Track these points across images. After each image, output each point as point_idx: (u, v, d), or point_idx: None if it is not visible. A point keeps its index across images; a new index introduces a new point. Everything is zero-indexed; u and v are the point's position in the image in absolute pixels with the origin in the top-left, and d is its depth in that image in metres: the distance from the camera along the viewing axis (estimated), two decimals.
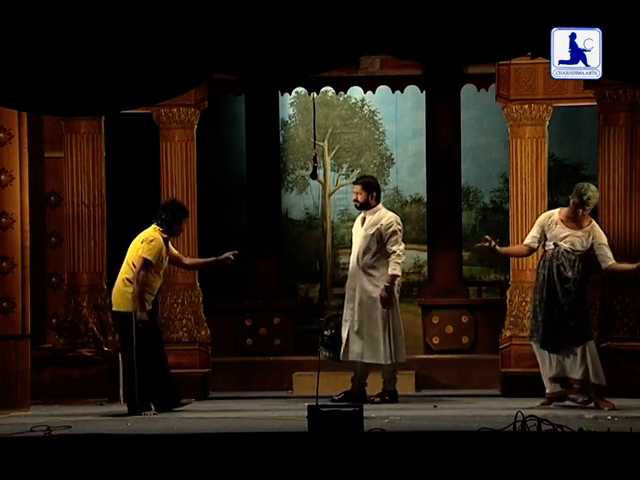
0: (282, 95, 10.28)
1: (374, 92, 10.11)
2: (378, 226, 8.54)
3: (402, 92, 10.07)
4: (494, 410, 7.76)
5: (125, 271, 8.19)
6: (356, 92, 10.28)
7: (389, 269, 8.42)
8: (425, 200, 10.30)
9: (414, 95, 10.13)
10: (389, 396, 8.51)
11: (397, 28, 7.33)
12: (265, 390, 9.35)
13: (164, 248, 8.19)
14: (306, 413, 6.52)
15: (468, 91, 9.99)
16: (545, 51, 7.68)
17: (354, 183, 8.86)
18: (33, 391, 8.35)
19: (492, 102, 9.49)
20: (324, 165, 10.44)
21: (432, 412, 7.94)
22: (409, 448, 5.87)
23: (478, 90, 9.89)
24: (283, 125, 10.47)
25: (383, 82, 9.94)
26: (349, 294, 8.61)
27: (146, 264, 8.07)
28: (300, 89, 10.19)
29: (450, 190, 10.11)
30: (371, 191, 8.62)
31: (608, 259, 8.06)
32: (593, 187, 8.17)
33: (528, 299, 9.16)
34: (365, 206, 8.64)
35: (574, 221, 8.11)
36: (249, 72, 8.07)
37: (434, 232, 10.17)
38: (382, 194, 10.25)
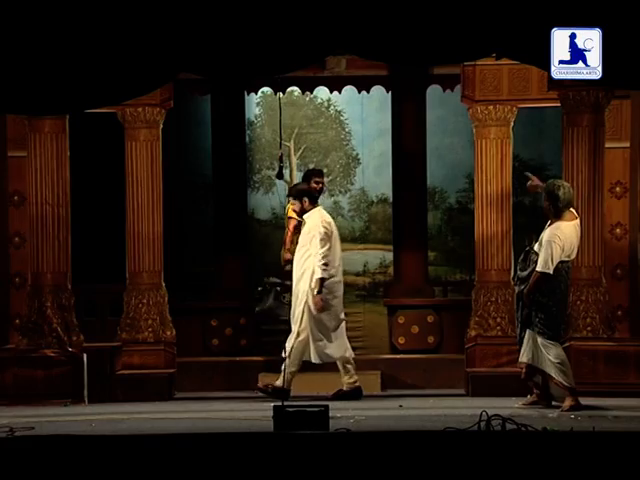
0: (248, 95, 10.26)
1: (340, 92, 10.12)
2: (307, 228, 8.77)
3: (368, 92, 10.09)
4: (459, 409, 7.79)
5: None
6: (322, 92, 10.28)
7: (316, 273, 8.61)
8: (391, 200, 10.32)
9: (380, 95, 10.15)
10: (272, 389, 8.56)
11: (362, 29, 7.35)
12: (231, 390, 9.33)
13: None
14: (272, 413, 6.52)
15: (434, 92, 10.03)
16: (510, 52, 7.74)
17: (287, 196, 9.11)
18: None
19: (457, 103, 9.53)
20: (290, 165, 10.43)
21: (397, 412, 7.96)
22: (375, 448, 5.88)
23: (444, 91, 9.93)
24: (249, 125, 10.45)
25: (349, 82, 9.96)
26: (294, 293, 8.82)
27: None
28: (266, 89, 10.17)
29: (416, 190, 10.14)
30: (302, 198, 8.85)
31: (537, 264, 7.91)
32: (556, 181, 8.16)
33: (493, 299, 9.23)
34: (303, 213, 8.88)
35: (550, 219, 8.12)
36: (215, 72, 8.06)
37: (400, 232, 10.19)
38: (348, 194, 10.33)
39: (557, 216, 8.00)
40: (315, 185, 9.23)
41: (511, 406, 7.94)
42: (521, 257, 8.19)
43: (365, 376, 8.94)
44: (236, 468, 5.78)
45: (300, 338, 8.67)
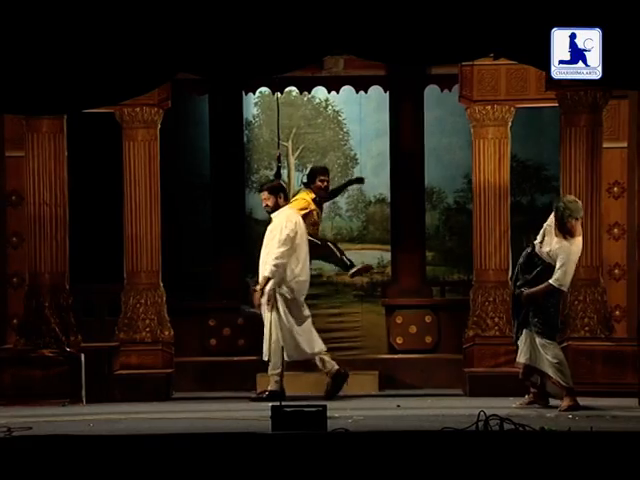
0: (246, 95, 10.26)
1: (338, 92, 10.13)
2: (272, 226, 8.75)
3: (366, 92, 10.09)
4: (457, 409, 7.79)
5: None
6: (320, 92, 10.28)
7: (264, 270, 8.62)
8: (389, 200, 10.33)
9: (378, 95, 10.15)
10: (267, 395, 8.56)
11: (360, 28, 7.35)
12: (229, 390, 9.32)
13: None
14: (269, 413, 6.52)
15: (432, 92, 10.03)
16: (509, 52, 7.73)
17: (260, 191, 8.97)
18: None
19: (455, 103, 9.54)
20: (288, 165, 10.43)
21: (395, 412, 7.96)
22: (372, 448, 5.88)
23: (442, 91, 9.93)
24: (247, 125, 10.45)
25: (347, 82, 9.96)
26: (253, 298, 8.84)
27: None
28: (264, 89, 10.18)
29: (414, 190, 10.14)
30: (278, 193, 8.79)
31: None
32: (566, 198, 8.12)
33: (491, 299, 9.23)
34: (276, 209, 8.78)
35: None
36: (213, 71, 8.05)
37: (398, 232, 10.19)
38: (345, 194, 10.34)
39: (576, 231, 7.96)
40: (320, 183, 9.27)
41: (509, 406, 7.94)
42: (523, 260, 8.11)
43: (363, 376, 8.94)
44: (234, 468, 5.78)
45: (274, 339, 8.66)
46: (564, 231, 7.95)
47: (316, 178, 9.28)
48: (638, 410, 7.83)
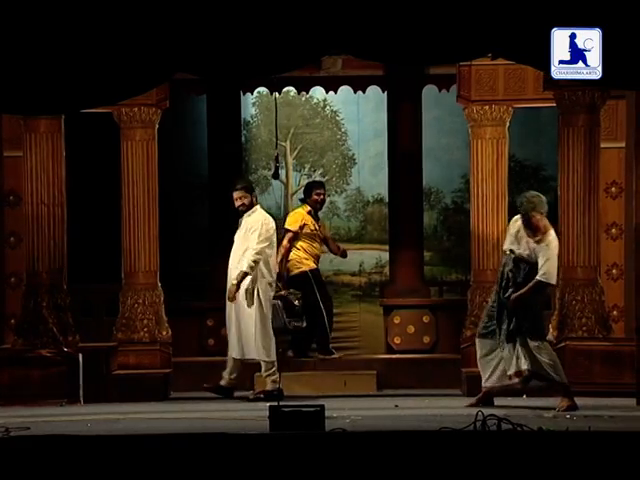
0: (244, 95, 10.27)
1: (336, 92, 10.14)
2: (249, 224, 8.70)
3: (364, 92, 10.11)
4: (455, 409, 7.80)
5: None
6: (318, 92, 10.30)
7: (243, 265, 8.57)
8: (387, 200, 10.34)
9: (376, 95, 10.16)
10: (265, 395, 8.54)
11: (358, 28, 7.35)
12: None
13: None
14: (267, 413, 6.52)
15: (429, 92, 10.04)
16: (508, 52, 7.73)
17: (235, 190, 8.86)
18: None
19: (453, 103, 9.54)
20: (286, 165, 10.44)
21: (393, 412, 7.96)
22: (370, 448, 5.88)
23: (439, 91, 9.95)
24: (245, 125, 10.46)
25: (345, 82, 9.98)
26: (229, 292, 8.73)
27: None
28: (262, 89, 10.19)
29: (412, 190, 10.16)
30: (252, 192, 8.82)
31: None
32: (529, 193, 8.03)
33: (489, 299, 9.21)
34: (250, 208, 8.74)
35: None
36: (211, 71, 8.06)
37: (396, 232, 10.20)
38: (343, 194, 10.38)
39: (544, 225, 7.92)
40: (316, 197, 9.42)
41: (507, 406, 7.94)
42: (510, 267, 8.00)
43: (361, 376, 8.94)
44: (232, 468, 5.78)
45: (269, 338, 8.63)
46: (532, 228, 7.86)
47: (312, 192, 9.41)
48: (636, 410, 7.83)
